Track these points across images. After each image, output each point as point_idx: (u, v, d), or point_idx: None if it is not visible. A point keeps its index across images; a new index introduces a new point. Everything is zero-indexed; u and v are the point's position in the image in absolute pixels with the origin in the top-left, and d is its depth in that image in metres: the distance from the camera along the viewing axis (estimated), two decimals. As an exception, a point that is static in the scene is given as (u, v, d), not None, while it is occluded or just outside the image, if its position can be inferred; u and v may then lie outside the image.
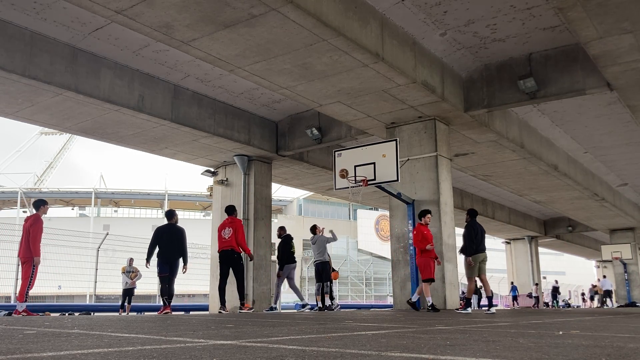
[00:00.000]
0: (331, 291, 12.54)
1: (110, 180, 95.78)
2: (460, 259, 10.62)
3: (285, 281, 11.94)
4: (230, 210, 10.28)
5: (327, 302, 12.17)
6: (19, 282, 8.94)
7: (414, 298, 10.39)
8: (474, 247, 9.54)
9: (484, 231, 9.83)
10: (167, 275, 9.45)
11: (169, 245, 9.48)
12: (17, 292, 9.18)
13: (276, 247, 12.38)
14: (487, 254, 9.71)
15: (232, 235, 9.79)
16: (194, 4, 7.55)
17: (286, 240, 12.00)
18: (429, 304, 9.80)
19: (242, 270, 10.01)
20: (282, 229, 12.44)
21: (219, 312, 9.73)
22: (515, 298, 31.07)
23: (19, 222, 31.24)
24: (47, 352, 2.41)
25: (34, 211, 9.07)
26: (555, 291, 31.44)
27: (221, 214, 15.80)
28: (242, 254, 10.08)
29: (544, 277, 32.97)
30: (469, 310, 9.42)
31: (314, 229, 12.50)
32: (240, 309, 10.02)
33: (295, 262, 11.91)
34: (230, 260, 9.83)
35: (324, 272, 12.14)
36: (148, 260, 9.49)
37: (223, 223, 10.14)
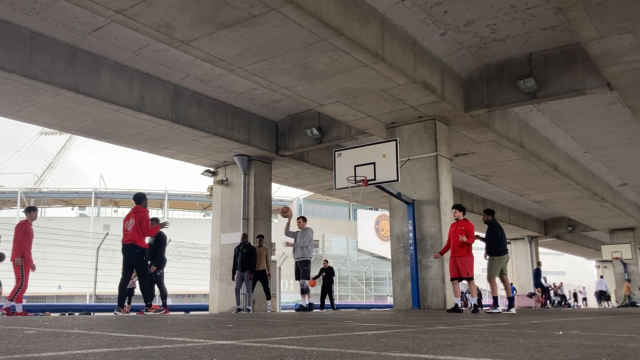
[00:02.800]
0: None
1: (110, 180, 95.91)
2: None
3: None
4: (138, 198, 9.13)
5: (306, 302, 11.66)
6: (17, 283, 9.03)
7: (473, 300, 9.91)
8: (501, 247, 9.40)
9: (503, 230, 9.68)
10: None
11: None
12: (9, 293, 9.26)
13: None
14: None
15: (135, 227, 8.70)
16: (194, 4, 7.55)
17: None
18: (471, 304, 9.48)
19: (144, 268, 8.93)
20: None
21: (114, 313, 8.56)
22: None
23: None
24: (47, 352, 2.41)
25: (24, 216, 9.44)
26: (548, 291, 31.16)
27: (221, 214, 15.85)
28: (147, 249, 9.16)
29: (544, 277, 32.84)
30: (499, 309, 9.20)
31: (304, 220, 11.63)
32: (146, 310, 9.02)
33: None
34: (130, 256, 8.73)
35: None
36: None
37: (128, 214, 9.03)
